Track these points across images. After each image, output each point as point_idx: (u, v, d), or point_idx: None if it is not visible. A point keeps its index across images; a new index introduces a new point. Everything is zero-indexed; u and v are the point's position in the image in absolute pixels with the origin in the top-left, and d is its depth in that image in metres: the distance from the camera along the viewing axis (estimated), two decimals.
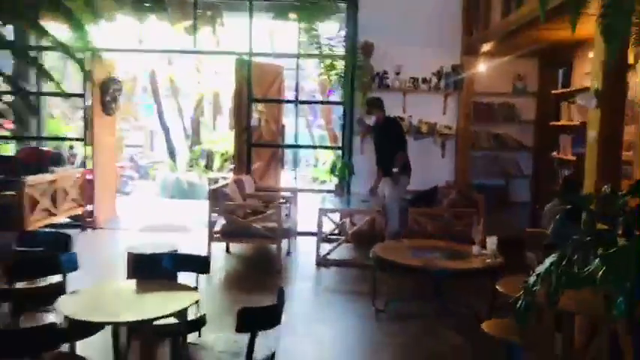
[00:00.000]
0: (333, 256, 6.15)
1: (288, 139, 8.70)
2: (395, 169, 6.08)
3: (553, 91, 6.91)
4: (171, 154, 12.26)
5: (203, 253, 5.76)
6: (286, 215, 6.35)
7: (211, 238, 5.80)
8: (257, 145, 7.60)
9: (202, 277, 3.48)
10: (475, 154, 7.28)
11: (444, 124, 7.22)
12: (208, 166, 12.21)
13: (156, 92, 12.10)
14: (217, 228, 5.93)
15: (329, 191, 7.26)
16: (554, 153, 6.90)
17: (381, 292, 4.93)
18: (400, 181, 6.18)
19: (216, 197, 5.91)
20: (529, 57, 7.08)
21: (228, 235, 5.82)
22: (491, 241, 4.45)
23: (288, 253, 6.54)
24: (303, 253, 6.66)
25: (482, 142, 7.23)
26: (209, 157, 12.57)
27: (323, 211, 6.08)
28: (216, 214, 5.92)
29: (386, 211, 6.01)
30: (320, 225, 6.06)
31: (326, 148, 9.03)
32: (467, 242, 5.48)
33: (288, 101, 8.60)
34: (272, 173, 8.15)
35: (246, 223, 5.76)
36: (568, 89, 6.48)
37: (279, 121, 8.33)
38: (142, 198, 12.25)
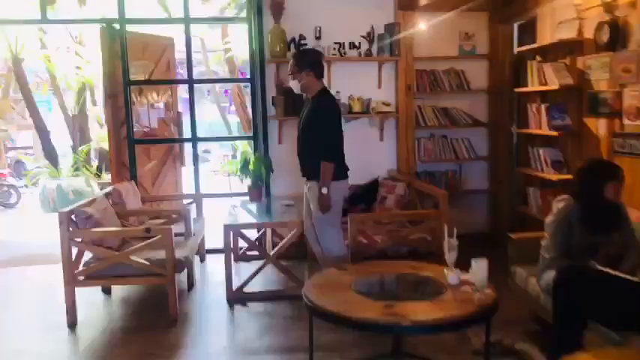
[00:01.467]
0: (252, 287, 4.56)
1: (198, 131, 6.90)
2: (323, 189, 3.95)
3: (518, 50, 5.59)
4: (51, 157, 10.10)
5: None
6: (183, 235, 4.66)
7: (72, 283, 4.02)
8: (141, 142, 5.81)
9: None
10: (420, 135, 5.87)
11: (381, 99, 5.74)
12: (100, 169, 10.17)
13: (22, 80, 9.84)
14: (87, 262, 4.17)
15: (243, 194, 5.63)
16: (519, 128, 5.62)
17: (321, 347, 3.42)
18: (331, 190, 3.99)
19: (75, 221, 4.13)
20: (477, 11, 5.72)
21: (94, 276, 4.06)
22: (480, 268, 3.01)
23: (191, 286, 4.87)
24: (214, 282, 5.01)
25: (427, 120, 5.82)
26: (101, 157, 10.51)
27: (230, 229, 4.45)
28: (79, 246, 4.14)
29: (314, 234, 4.21)
30: (228, 246, 4.43)
31: (232, 139, 7.25)
32: (431, 257, 4.08)
33: (178, 81, 6.81)
34: (169, 176, 6.39)
35: (121, 257, 4.03)
36: (533, 45, 5.16)
37: (173, 108, 6.57)
38: (22, 212, 10.08)
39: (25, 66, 11.90)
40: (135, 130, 5.83)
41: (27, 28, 9.40)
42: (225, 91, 16.80)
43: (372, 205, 5.50)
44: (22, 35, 9.65)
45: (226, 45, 10.59)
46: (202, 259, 5.66)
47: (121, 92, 5.55)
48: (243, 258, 5.60)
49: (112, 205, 4.85)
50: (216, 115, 15.75)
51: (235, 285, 4.50)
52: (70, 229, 4.05)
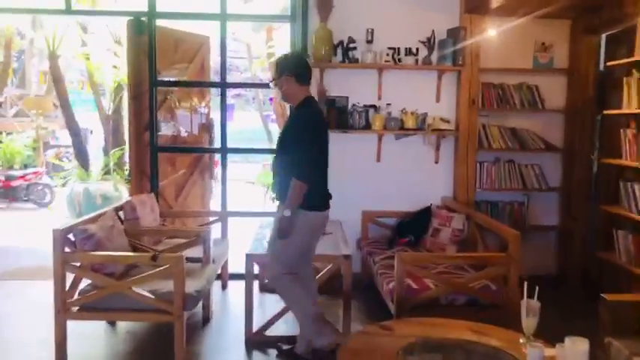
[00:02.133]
0: (276, 330, 3.85)
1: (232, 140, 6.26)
2: (286, 211, 3.22)
3: (607, 64, 4.73)
4: (82, 158, 9.68)
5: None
6: (201, 261, 3.99)
7: (63, 314, 3.40)
8: (165, 150, 5.21)
9: None
10: (482, 159, 5.06)
11: (439, 115, 4.97)
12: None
13: (57, 77, 9.47)
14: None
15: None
16: (602, 157, 4.75)
17: None
18: (294, 221, 3.24)
19: (74, 241, 3.51)
20: (557, 18, 4.91)
21: (90, 308, 3.43)
22: (579, 353, 2.20)
23: (207, 320, 4.19)
24: (235, 315, 4.32)
25: (492, 141, 5.01)
26: None
27: (253, 259, 3.75)
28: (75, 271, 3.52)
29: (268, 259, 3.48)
30: (250, 279, 3.74)
31: (266, 151, 6.54)
32: (494, 310, 3.30)
33: (209, 84, 6.20)
34: (196, 189, 5.78)
35: (121, 287, 3.38)
36: (631, 59, 4.29)
37: (206, 114, 5.97)
38: (50, 213, 9.71)
39: (67, 64, 11.67)
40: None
41: (67, 24, 9.05)
42: (271, 99, 16.30)
43: (421, 237, 4.72)
44: (62, 31, 9.31)
45: (270, 49, 10.00)
46: (224, 286, 4.99)
47: (147, 93, 4.96)
48: (267, 290, 4.90)
49: (125, 221, 4.24)
50: (259, 124, 15.22)
51: (257, 323, 3.81)
52: (66, 249, 3.44)
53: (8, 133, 12.10)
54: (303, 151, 3.22)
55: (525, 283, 2.57)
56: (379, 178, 5.07)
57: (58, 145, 17.38)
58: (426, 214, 4.84)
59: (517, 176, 5.05)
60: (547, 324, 2.66)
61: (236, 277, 5.01)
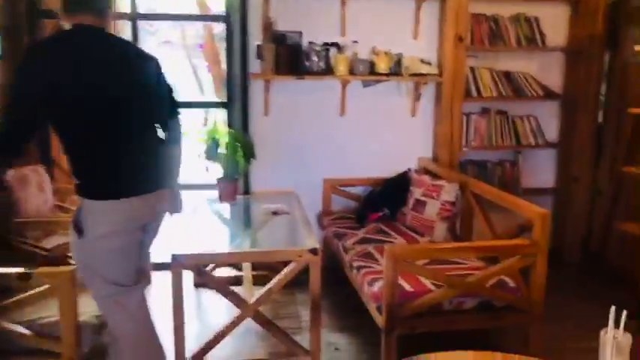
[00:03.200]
0: (222, 351, 2.80)
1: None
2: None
3: None
4: None
5: None
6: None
7: None
8: None
9: None
10: (469, 109, 4.10)
11: (417, 56, 3.93)
12: None
13: None
14: None
15: (211, 187, 3.82)
16: (611, 104, 3.88)
17: None
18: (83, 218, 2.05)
19: None
20: None
21: None
22: None
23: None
24: (158, 331, 3.23)
25: (482, 88, 4.04)
26: None
27: (180, 263, 2.63)
28: None
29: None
30: (178, 291, 2.64)
31: (194, 105, 5.21)
32: (515, 314, 2.42)
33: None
34: None
35: None
36: None
37: None
38: None
39: None
40: None
41: None
42: (200, 45, 14.68)
43: (398, 210, 3.76)
44: None
45: None
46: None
47: (25, 26, 3.62)
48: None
49: None
50: (187, 71, 13.62)
51: (195, 339, 2.76)
52: None
53: None
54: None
55: (612, 308, 1.63)
56: (343, 136, 4.02)
57: None
58: (403, 181, 3.86)
59: (510, 131, 4.12)
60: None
61: (163, 266, 3.88)
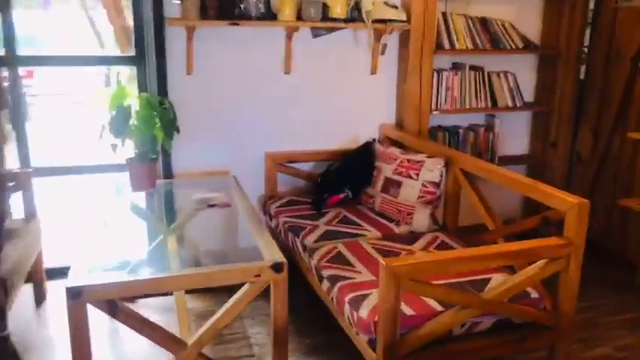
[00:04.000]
0: None
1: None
2: None
3: None
4: None
5: None
6: None
7: None
8: None
9: None
10: (439, 65, 3.40)
11: None
12: None
13: None
14: None
15: (120, 167, 2.89)
16: (602, 58, 3.32)
17: None
18: None
19: None
20: None
21: None
22: None
23: None
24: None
25: (455, 39, 3.33)
26: None
27: (79, 298, 1.75)
28: None
29: None
30: (79, 329, 1.77)
31: (90, 62, 4.07)
32: (539, 333, 1.87)
33: None
34: None
35: None
36: None
37: None
38: None
39: None
40: None
41: None
42: None
43: (362, 190, 3.04)
44: None
45: None
46: (39, 301, 2.89)
47: None
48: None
49: None
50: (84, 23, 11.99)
51: None
52: None
53: None
54: None
55: None
56: (289, 99, 3.21)
57: None
58: (365, 154, 3.13)
59: (485, 90, 3.48)
60: None
61: (60, 274, 2.94)
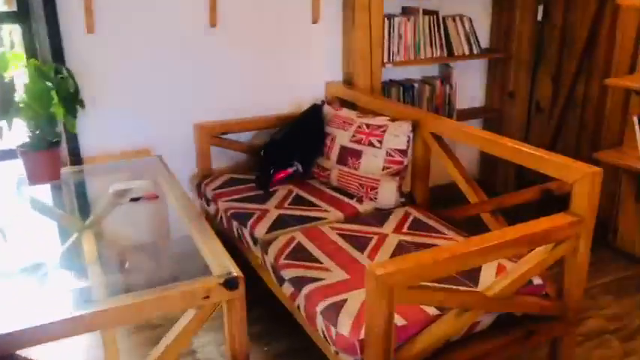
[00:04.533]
0: None
1: None
2: None
3: None
4: None
5: None
6: None
7: None
8: None
9: None
10: (390, 11, 2.96)
11: None
12: None
13: None
14: None
15: (11, 155, 2.29)
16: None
17: None
18: None
19: None
20: None
21: None
22: None
23: None
24: None
25: None
26: None
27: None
28: None
29: None
30: None
31: None
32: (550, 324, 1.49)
33: None
34: None
35: None
36: None
37: None
38: None
39: None
40: None
41: None
42: None
43: (312, 162, 2.62)
44: None
45: None
46: None
47: None
48: None
49: None
50: None
51: None
52: None
53: None
54: None
55: None
56: (216, 58, 2.68)
57: None
58: (313, 120, 2.69)
59: (441, 37, 3.09)
60: None
61: None
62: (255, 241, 2.13)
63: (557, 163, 1.74)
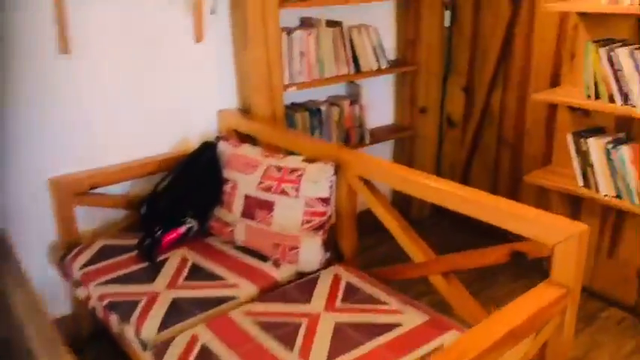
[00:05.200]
0: None
1: None
2: None
3: None
4: None
5: None
6: None
7: None
8: None
9: None
10: (287, 21, 2.51)
11: None
12: None
13: None
14: None
15: None
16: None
17: None
18: None
19: None
20: None
21: None
22: None
23: None
24: None
25: None
26: None
27: None
28: None
29: None
30: None
31: None
32: None
33: None
34: None
35: None
36: None
37: None
38: None
39: None
40: None
41: None
42: None
43: (209, 216, 2.11)
44: None
45: None
46: None
47: None
48: None
49: None
50: None
51: None
52: None
53: None
54: None
55: None
56: (76, 89, 2.07)
57: None
58: (207, 160, 2.17)
59: (346, 52, 2.68)
60: None
61: None
62: (144, 346, 1.58)
63: (531, 220, 1.38)
